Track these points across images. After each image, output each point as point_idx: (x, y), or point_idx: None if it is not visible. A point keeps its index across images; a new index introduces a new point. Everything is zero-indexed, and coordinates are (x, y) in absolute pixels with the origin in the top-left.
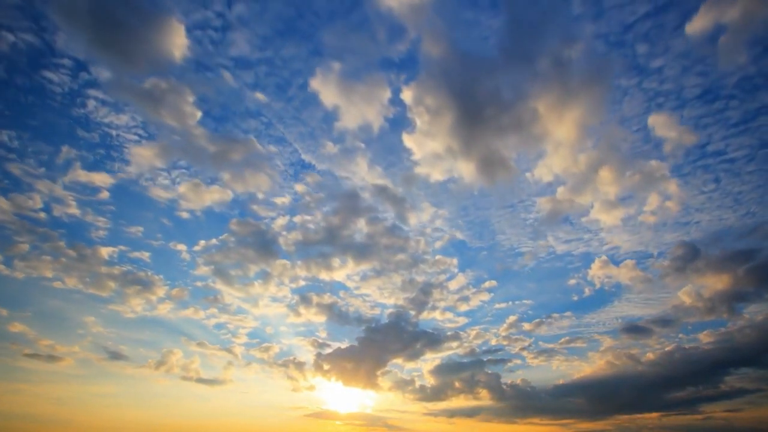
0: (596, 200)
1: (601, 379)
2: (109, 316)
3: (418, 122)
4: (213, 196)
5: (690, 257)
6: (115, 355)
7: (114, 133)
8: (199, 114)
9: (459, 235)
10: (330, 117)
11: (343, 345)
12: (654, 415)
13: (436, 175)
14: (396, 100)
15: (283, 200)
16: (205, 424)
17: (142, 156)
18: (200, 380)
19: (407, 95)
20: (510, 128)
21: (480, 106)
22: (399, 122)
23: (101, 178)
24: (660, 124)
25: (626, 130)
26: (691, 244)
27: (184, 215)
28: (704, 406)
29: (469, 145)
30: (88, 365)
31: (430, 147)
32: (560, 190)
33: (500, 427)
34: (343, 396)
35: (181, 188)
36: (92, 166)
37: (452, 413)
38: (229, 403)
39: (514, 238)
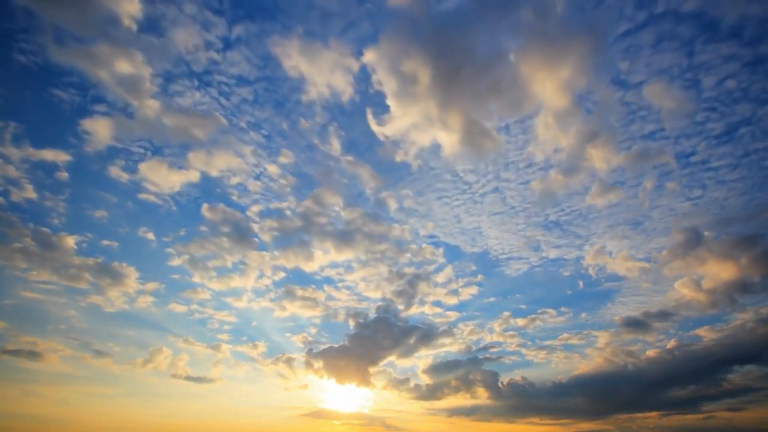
0: (591, 182)
1: (601, 377)
2: (89, 310)
3: (387, 88)
4: (179, 178)
5: (691, 244)
6: (100, 352)
7: (65, 103)
8: (155, 87)
9: (444, 224)
10: (297, 87)
11: (334, 341)
12: (654, 414)
13: (417, 161)
14: (365, 68)
15: (256, 184)
16: (201, 424)
17: (97, 131)
18: (189, 378)
19: (375, 57)
20: (491, 93)
21: (456, 67)
22: (369, 90)
23: (54, 155)
24: (656, 94)
25: (620, 102)
26: (693, 229)
27: (151, 199)
28: (705, 405)
29: (447, 115)
30: (73, 362)
31: (406, 118)
32: (552, 172)
33: (499, 427)
34: (339, 395)
35: (143, 168)
36: (42, 142)
37: (451, 412)
38: (222, 402)
39: (505, 243)
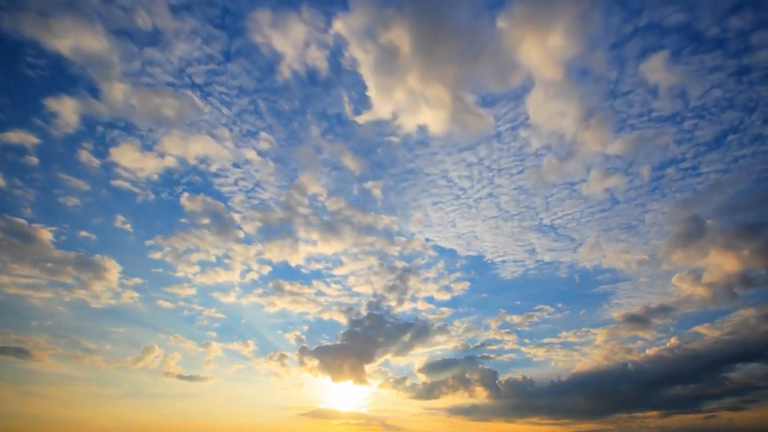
0: (587, 172)
1: (600, 375)
2: (76, 306)
3: (364, 65)
4: (154, 164)
5: (690, 236)
6: (89, 350)
7: (29, 82)
8: (120, 65)
9: (440, 229)
10: (271, 64)
11: (327, 339)
12: (654, 413)
13: (403, 151)
14: (339, 42)
15: (236, 171)
16: (198, 424)
17: (64, 112)
18: (181, 377)
19: (346, 27)
20: (477, 62)
21: (437, 34)
22: (345, 67)
23: (21, 138)
24: (654, 69)
25: (610, 109)
26: (692, 219)
27: (126, 186)
28: (707, 404)
29: (431, 89)
30: (62, 360)
31: (388, 96)
32: (546, 159)
33: (499, 426)
34: (337, 395)
35: (115, 152)
36: (7, 124)
37: (450, 412)
38: (217, 401)
39: (500, 247)
